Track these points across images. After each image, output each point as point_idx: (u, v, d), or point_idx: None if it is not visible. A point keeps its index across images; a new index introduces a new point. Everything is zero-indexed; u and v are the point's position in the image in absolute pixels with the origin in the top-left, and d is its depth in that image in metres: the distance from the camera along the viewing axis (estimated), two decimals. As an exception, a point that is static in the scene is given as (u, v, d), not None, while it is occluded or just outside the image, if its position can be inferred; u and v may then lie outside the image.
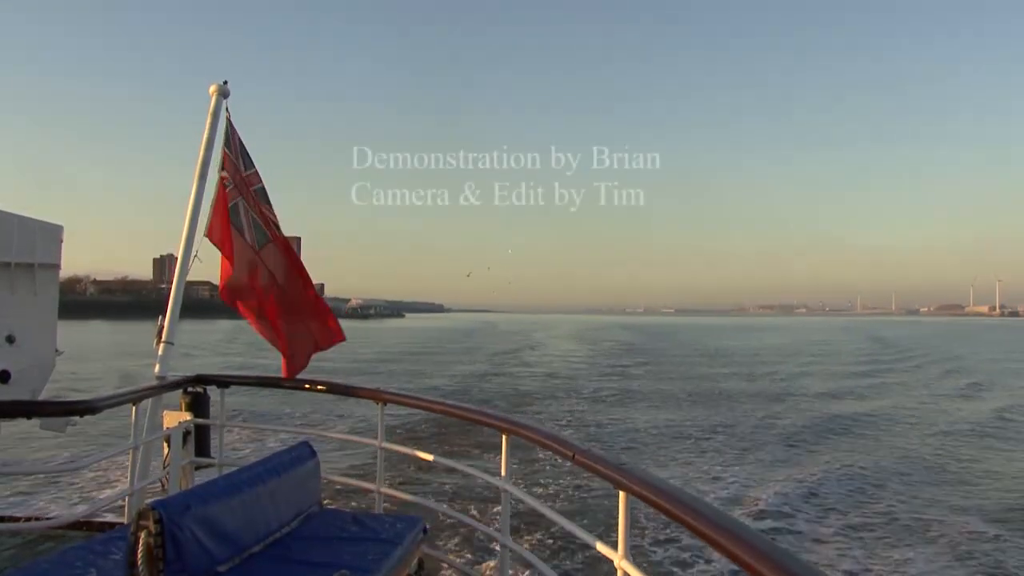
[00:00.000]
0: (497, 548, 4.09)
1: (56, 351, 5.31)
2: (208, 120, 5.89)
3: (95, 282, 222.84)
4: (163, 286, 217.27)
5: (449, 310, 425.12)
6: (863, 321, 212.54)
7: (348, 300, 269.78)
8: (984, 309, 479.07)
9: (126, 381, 28.77)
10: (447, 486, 12.36)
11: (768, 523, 11.36)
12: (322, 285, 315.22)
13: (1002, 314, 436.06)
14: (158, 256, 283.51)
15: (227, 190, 5.81)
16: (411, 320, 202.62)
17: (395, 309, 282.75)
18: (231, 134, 5.96)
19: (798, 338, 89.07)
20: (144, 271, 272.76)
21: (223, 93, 5.93)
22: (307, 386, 6.89)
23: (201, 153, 5.82)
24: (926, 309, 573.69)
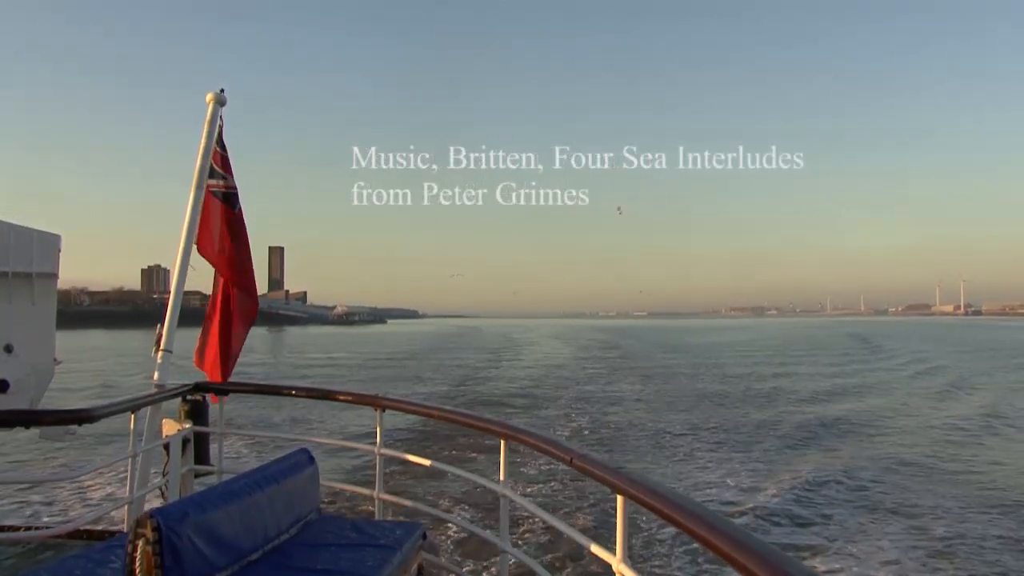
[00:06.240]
0: (497, 553, 4.10)
1: (55, 360, 5.30)
2: (205, 128, 5.90)
3: (89, 293, 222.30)
4: (155, 296, 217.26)
5: (424, 315, 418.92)
6: (832, 321, 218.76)
7: (333, 307, 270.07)
8: (949, 308, 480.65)
9: (108, 390, 28.82)
10: (446, 492, 12.36)
11: (766, 526, 11.38)
12: (305, 293, 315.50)
13: (966, 313, 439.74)
14: (146, 267, 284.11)
15: (215, 198, 5.89)
16: (394, 326, 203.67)
17: (377, 315, 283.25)
18: (223, 142, 6.01)
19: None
20: (132, 282, 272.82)
21: (220, 101, 5.94)
22: (304, 393, 6.90)
23: (198, 162, 5.83)
24: (894, 309, 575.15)
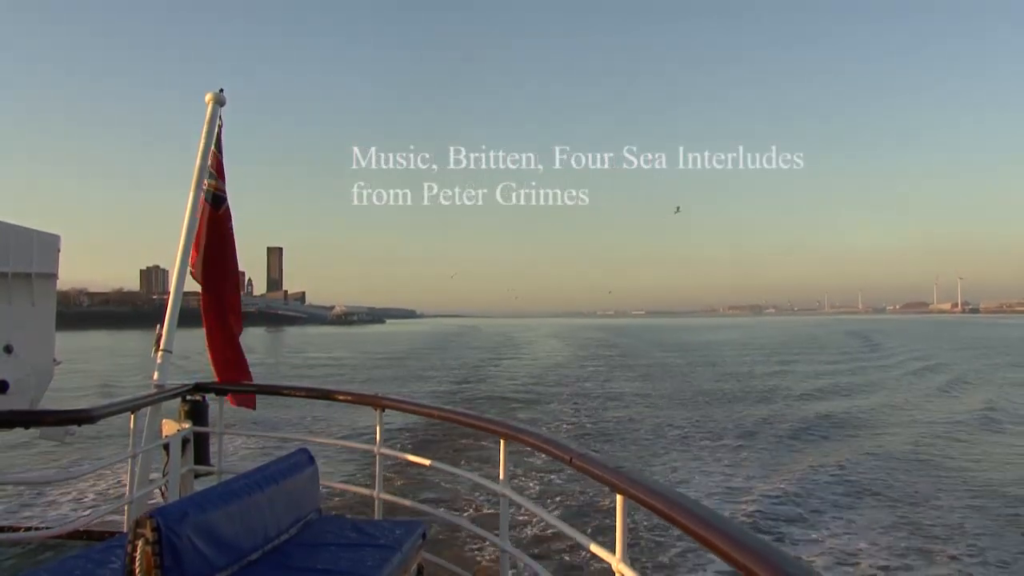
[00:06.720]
0: (497, 552, 4.10)
1: (55, 361, 5.30)
2: (204, 129, 5.91)
3: (89, 294, 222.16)
4: (154, 296, 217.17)
5: (422, 315, 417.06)
6: (831, 320, 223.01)
7: (332, 307, 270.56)
8: (947, 306, 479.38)
9: (108, 390, 28.87)
10: (446, 491, 12.36)
11: (765, 525, 11.38)
12: (303, 293, 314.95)
13: (964, 311, 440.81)
14: (144, 268, 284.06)
15: (207, 201, 5.93)
16: (392, 326, 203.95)
17: (376, 315, 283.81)
18: (220, 143, 6.02)
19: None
20: (131, 283, 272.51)
21: (219, 101, 5.95)
22: (304, 393, 6.90)
23: (197, 162, 5.84)
24: (892, 307, 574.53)
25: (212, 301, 6.03)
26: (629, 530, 2.77)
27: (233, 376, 5.96)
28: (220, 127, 6.01)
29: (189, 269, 5.87)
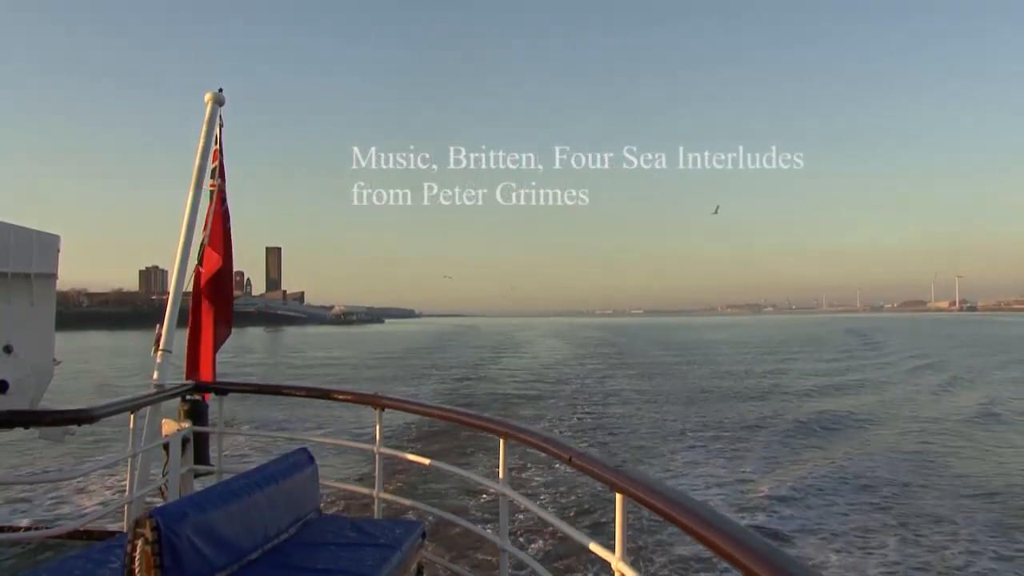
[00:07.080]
0: (496, 552, 4.10)
1: (54, 361, 5.30)
2: (204, 128, 5.93)
3: (89, 294, 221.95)
4: (154, 297, 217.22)
5: (420, 315, 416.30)
6: (829, 318, 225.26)
7: (331, 307, 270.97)
8: (945, 304, 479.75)
9: (108, 390, 28.90)
10: (446, 490, 12.36)
11: (764, 524, 11.39)
12: (302, 293, 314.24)
13: (961, 309, 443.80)
14: (143, 268, 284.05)
15: (213, 197, 5.96)
16: (392, 326, 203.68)
17: (374, 315, 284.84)
18: (220, 142, 6.05)
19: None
20: (131, 283, 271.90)
21: (218, 101, 5.97)
22: (303, 393, 6.91)
23: (197, 161, 5.86)
24: (890, 306, 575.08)
25: (201, 300, 6.04)
26: (629, 529, 2.77)
27: (198, 376, 5.97)
28: (220, 127, 6.04)
29: (198, 269, 5.90)
